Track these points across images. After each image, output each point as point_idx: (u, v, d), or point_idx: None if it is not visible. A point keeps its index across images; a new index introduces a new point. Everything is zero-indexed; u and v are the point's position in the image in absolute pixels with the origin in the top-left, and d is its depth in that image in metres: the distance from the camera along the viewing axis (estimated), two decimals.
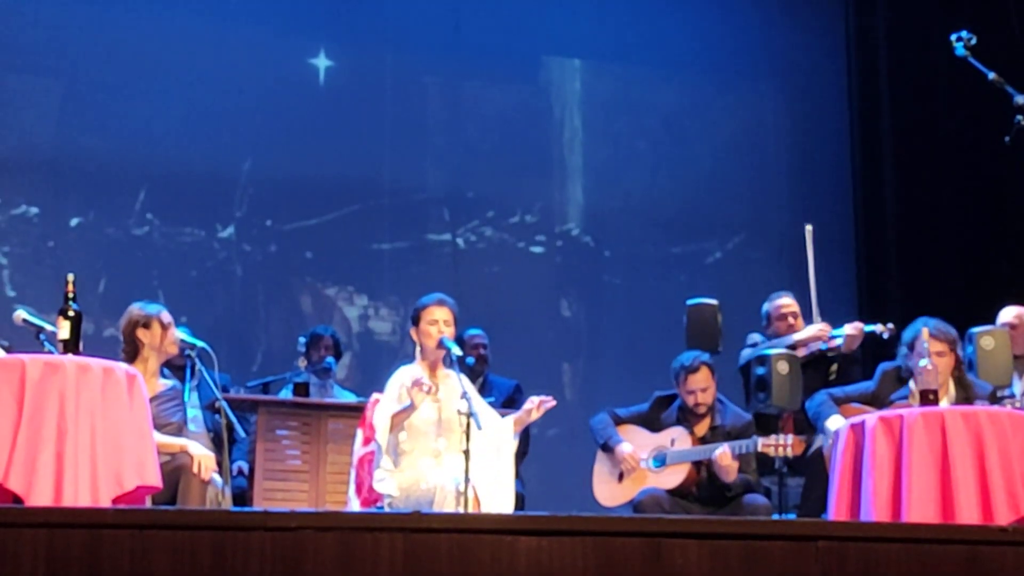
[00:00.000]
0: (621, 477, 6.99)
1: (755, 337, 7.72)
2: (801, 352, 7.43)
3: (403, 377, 6.05)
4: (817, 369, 7.44)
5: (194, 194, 9.30)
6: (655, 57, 10.41)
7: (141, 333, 6.15)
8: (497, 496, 5.87)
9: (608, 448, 7.01)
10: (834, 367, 7.49)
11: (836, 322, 7.61)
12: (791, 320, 7.59)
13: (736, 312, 7.95)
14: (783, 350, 7.24)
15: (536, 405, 6.06)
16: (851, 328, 7.42)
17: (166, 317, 6.20)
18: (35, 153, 9.04)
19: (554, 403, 6.05)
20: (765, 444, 6.64)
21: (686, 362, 6.91)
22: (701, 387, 6.87)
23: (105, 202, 9.13)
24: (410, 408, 5.88)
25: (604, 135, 10.29)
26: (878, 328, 7.33)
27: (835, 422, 6.40)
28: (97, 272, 8.82)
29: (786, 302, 7.67)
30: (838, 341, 7.47)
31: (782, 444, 6.61)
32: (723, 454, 6.61)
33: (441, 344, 6.03)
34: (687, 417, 6.95)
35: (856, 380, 7.16)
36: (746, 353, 7.58)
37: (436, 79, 10.01)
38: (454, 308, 6.16)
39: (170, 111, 9.26)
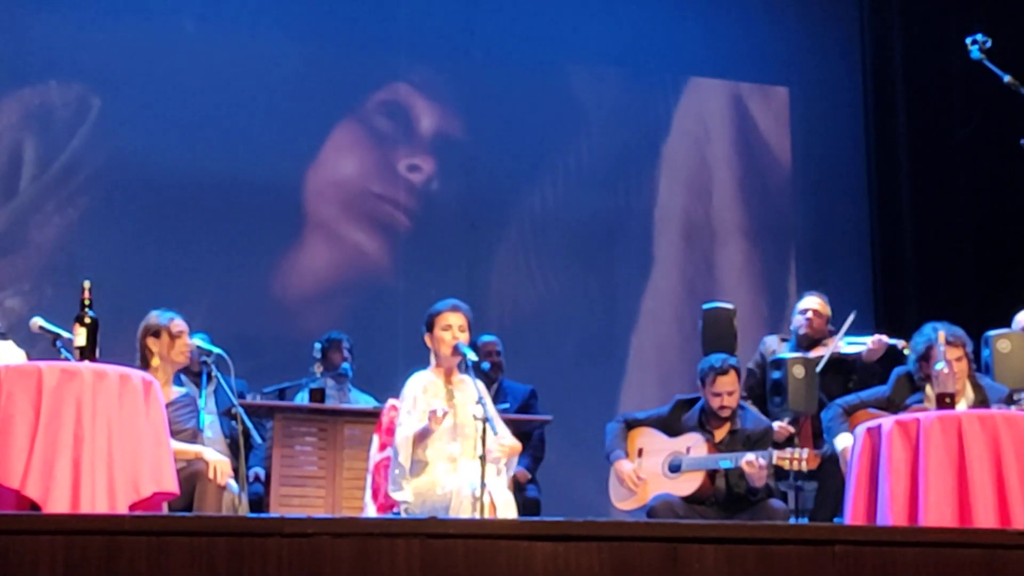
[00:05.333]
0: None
1: (771, 341, 7.73)
2: (818, 351, 7.42)
3: (417, 385, 6.04)
4: (836, 376, 7.43)
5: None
6: (667, 63, 10.42)
7: (151, 342, 6.19)
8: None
9: (608, 461, 7.01)
10: (853, 377, 7.48)
11: (853, 329, 7.60)
12: (810, 316, 7.60)
13: (750, 317, 7.95)
14: (799, 354, 7.24)
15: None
16: (873, 342, 7.40)
17: (176, 326, 6.21)
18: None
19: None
20: (780, 457, 6.61)
21: (716, 364, 6.87)
22: (728, 390, 6.85)
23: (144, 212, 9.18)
24: (428, 432, 5.88)
25: (617, 140, 10.29)
26: (900, 344, 7.29)
27: (843, 440, 6.41)
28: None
29: (808, 300, 7.72)
30: (858, 348, 7.45)
31: (797, 458, 6.59)
32: (752, 460, 6.60)
33: (456, 350, 6.02)
34: (709, 420, 6.93)
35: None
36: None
37: (450, 83, 10.02)
38: (468, 313, 6.14)
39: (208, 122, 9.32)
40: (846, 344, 7.45)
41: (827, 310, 7.67)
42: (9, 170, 9.03)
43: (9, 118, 9.06)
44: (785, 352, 7.41)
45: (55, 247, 9.01)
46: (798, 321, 7.65)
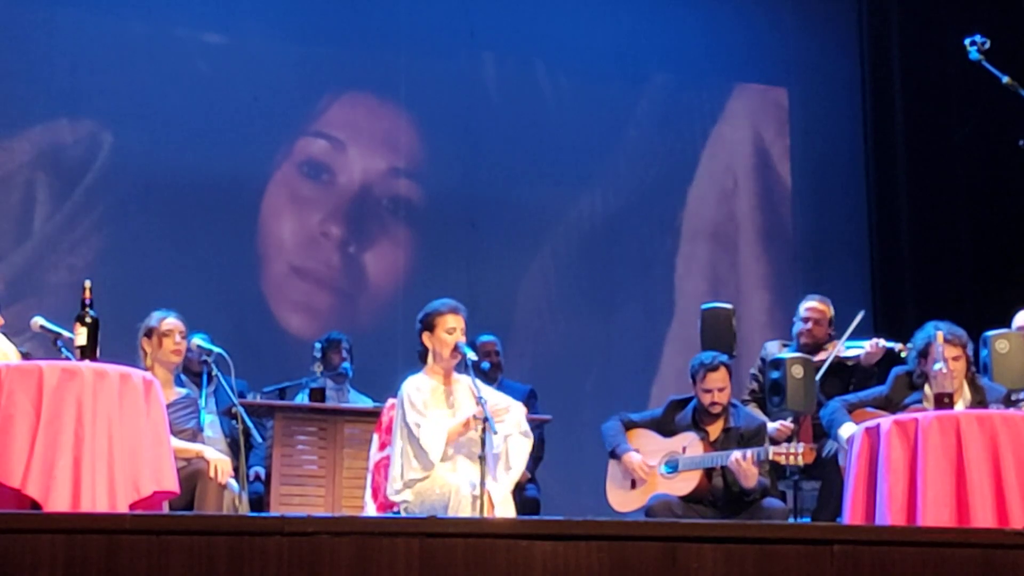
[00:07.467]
0: (634, 484, 6.99)
1: (772, 347, 7.74)
2: (820, 356, 7.43)
3: (422, 386, 6.03)
4: (836, 379, 7.44)
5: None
6: (665, 63, 10.43)
7: (144, 342, 6.22)
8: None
9: (615, 456, 7.02)
10: (852, 380, 7.49)
11: (855, 331, 7.61)
12: (811, 324, 7.60)
13: (752, 317, 7.95)
14: (797, 354, 7.25)
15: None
16: (870, 346, 7.41)
17: (165, 325, 6.22)
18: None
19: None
20: (776, 452, 6.64)
21: (706, 360, 6.92)
22: (718, 386, 6.88)
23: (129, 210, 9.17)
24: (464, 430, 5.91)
25: (616, 140, 10.30)
26: (897, 347, 7.31)
27: (847, 429, 6.42)
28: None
29: (809, 305, 7.70)
30: (856, 352, 7.46)
31: (792, 452, 6.60)
32: (738, 458, 6.62)
33: (457, 349, 6.01)
34: (702, 418, 6.94)
35: None
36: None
37: (450, 82, 10.02)
38: (466, 315, 6.15)
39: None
40: (846, 348, 7.46)
41: (829, 312, 7.65)
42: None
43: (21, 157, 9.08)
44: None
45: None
46: (799, 327, 7.64)
